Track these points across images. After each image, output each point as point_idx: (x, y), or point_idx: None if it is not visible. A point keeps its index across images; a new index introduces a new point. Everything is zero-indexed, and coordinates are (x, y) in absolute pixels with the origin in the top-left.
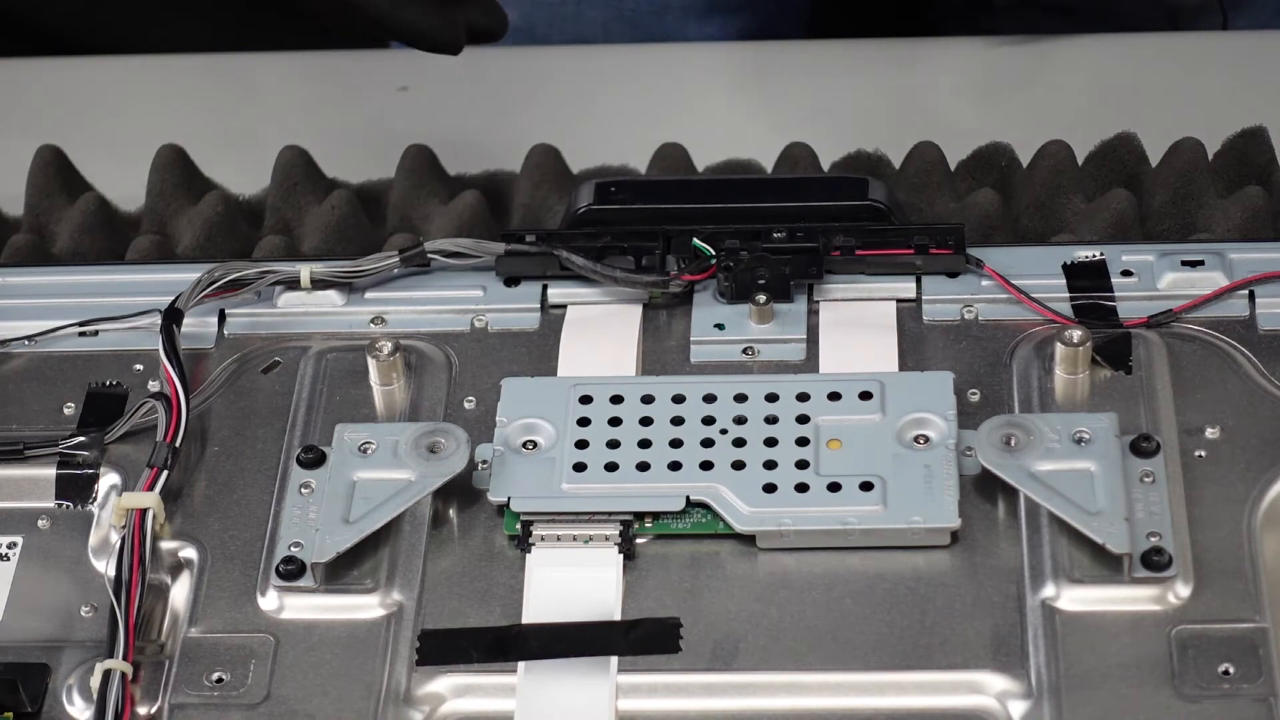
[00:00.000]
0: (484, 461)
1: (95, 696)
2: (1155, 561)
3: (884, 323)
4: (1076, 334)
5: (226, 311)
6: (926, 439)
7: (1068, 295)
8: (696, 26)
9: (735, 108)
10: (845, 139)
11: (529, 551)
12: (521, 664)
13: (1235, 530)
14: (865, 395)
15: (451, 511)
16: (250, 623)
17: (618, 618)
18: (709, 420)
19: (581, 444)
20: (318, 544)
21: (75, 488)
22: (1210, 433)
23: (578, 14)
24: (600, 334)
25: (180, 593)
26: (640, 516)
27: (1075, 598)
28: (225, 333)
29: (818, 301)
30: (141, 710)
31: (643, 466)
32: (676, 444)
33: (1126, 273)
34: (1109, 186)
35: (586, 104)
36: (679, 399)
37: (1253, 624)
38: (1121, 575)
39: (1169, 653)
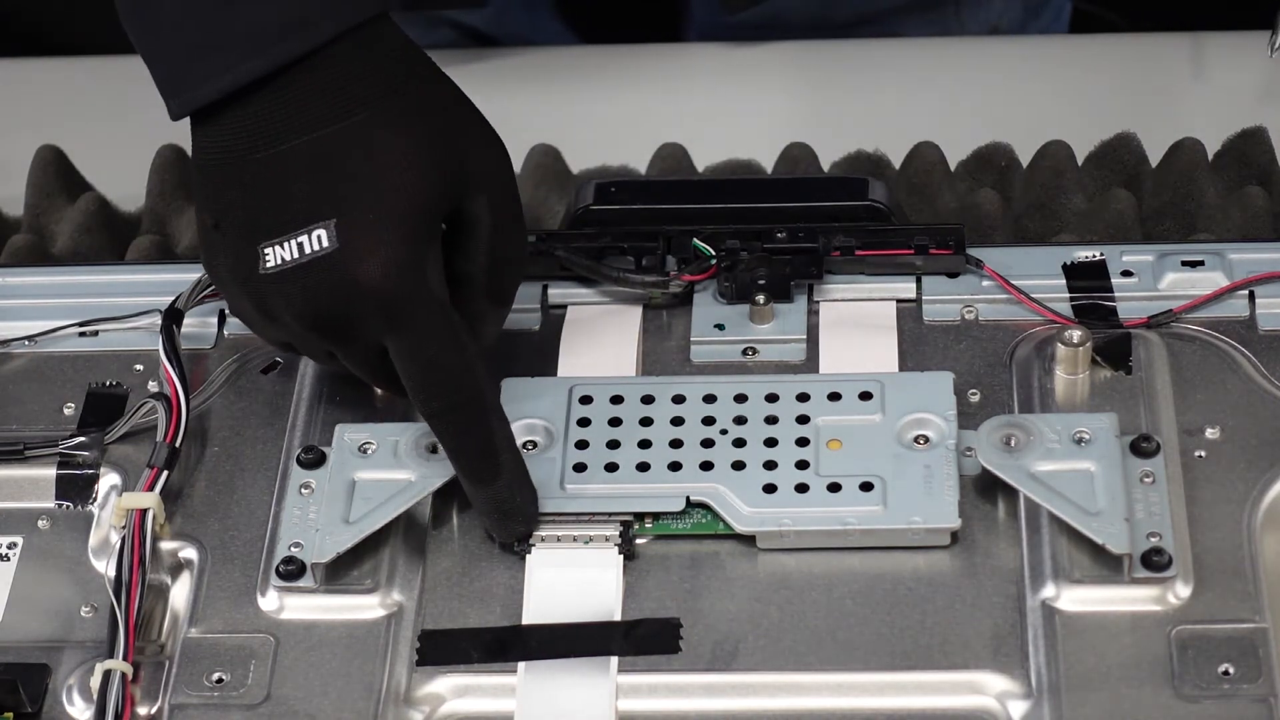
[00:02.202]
0: None
1: (95, 696)
2: (1155, 562)
3: (884, 323)
4: (1076, 334)
5: (226, 311)
6: (926, 439)
7: (1068, 295)
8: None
9: (735, 108)
10: (845, 139)
11: (529, 552)
12: (521, 664)
13: (1235, 530)
14: (865, 395)
15: (451, 511)
16: (250, 623)
17: (618, 618)
18: (709, 420)
19: (581, 444)
20: (318, 544)
21: (75, 488)
22: (1210, 433)
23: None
24: (600, 334)
25: (180, 593)
26: (640, 517)
27: (1075, 598)
28: (225, 333)
29: (818, 302)
30: (141, 710)
31: (643, 467)
32: (676, 444)
33: (1126, 273)
34: (1109, 186)
35: (586, 104)
36: (679, 399)
37: (1253, 624)
38: (1121, 575)
39: (1169, 653)
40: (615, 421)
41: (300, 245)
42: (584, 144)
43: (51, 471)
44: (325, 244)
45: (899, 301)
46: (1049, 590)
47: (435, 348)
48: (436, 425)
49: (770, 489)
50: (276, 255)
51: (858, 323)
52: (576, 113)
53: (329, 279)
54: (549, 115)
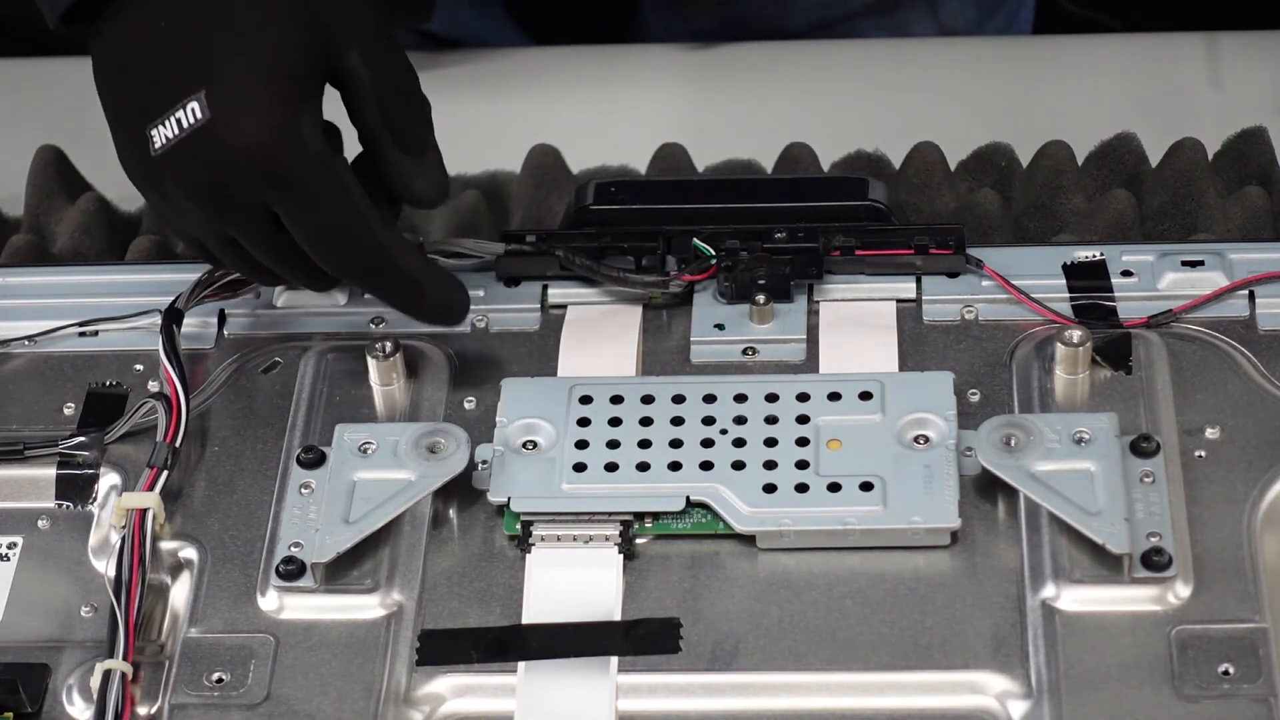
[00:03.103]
0: (484, 461)
1: (95, 696)
2: (1155, 561)
3: (884, 323)
4: (1076, 334)
5: (226, 311)
6: (926, 439)
7: (1068, 295)
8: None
9: (735, 108)
10: (845, 139)
11: (529, 551)
12: (521, 664)
13: (1235, 530)
14: (865, 395)
15: (451, 511)
16: (250, 623)
17: (618, 618)
18: (709, 420)
19: (581, 444)
20: (318, 544)
21: (75, 488)
22: (1210, 433)
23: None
24: (600, 334)
25: (180, 593)
26: (640, 516)
27: (1075, 598)
28: (225, 333)
29: (818, 302)
30: (141, 710)
31: (643, 467)
32: (676, 444)
33: (1126, 273)
34: (1109, 186)
35: (586, 104)
36: (679, 399)
37: (1253, 624)
38: (1121, 575)
39: (1169, 653)
40: (615, 421)
41: (178, 121)
42: (584, 144)
43: (51, 471)
44: (199, 116)
45: (899, 301)
46: (1049, 590)
47: (323, 202)
48: (349, 280)
49: (770, 489)
50: (160, 135)
51: (858, 323)
52: (576, 113)
53: (206, 149)
54: (548, 116)
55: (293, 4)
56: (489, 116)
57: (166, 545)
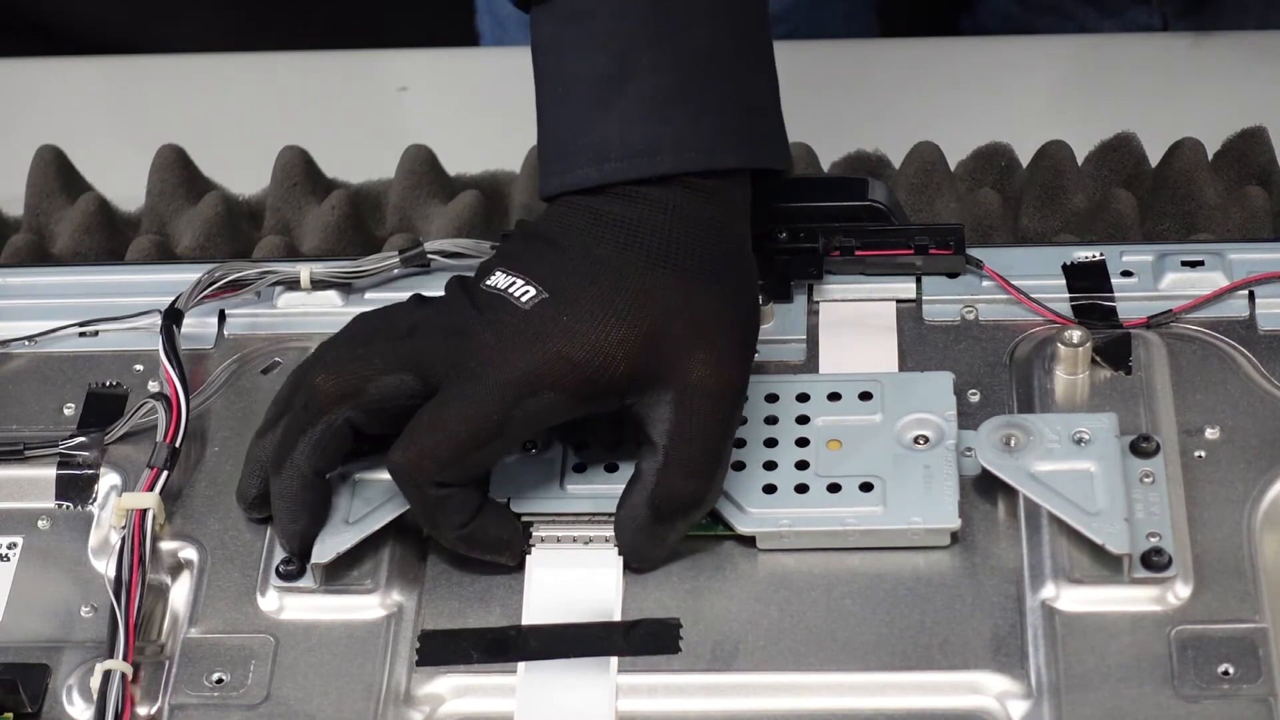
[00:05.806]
0: None
1: (95, 697)
2: (1155, 562)
3: (884, 323)
4: (1076, 334)
5: (226, 312)
6: (926, 439)
7: (1068, 295)
8: None
9: None
10: (845, 139)
11: (529, 552)
12: (521, 664)
13: (1235, 530)
14: (865, 396)
15: None
16: (250, 623)
17: (618, 618)
18: None
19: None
20: (318, 544)
21: (75, 488)
22: (1210, 433)
23: None
24: None
25: (180, 593)
26: None
27: (1075, 598)
28: (225, 333)
29: (818, 302)
30: (141, 710)
31: None
32: None
33: (1126, 273)
34: (1109, 186)
35: None
36: None
37: (1252, 624)
38: (1121, 575)
39: (1169, 653)
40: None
41: (513, 281)
42: None
43: (51, 471)
44: (520, 297)
45: (899, 301)
46: (1049, 590)
47: (458, 416)
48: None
49: (770, 489)
50: (497, 279)
51: (857, 323)
52: None
53: (482, 313)
54: None
55: (638, 318)
56: (489, 116)
57: (166, 545)
